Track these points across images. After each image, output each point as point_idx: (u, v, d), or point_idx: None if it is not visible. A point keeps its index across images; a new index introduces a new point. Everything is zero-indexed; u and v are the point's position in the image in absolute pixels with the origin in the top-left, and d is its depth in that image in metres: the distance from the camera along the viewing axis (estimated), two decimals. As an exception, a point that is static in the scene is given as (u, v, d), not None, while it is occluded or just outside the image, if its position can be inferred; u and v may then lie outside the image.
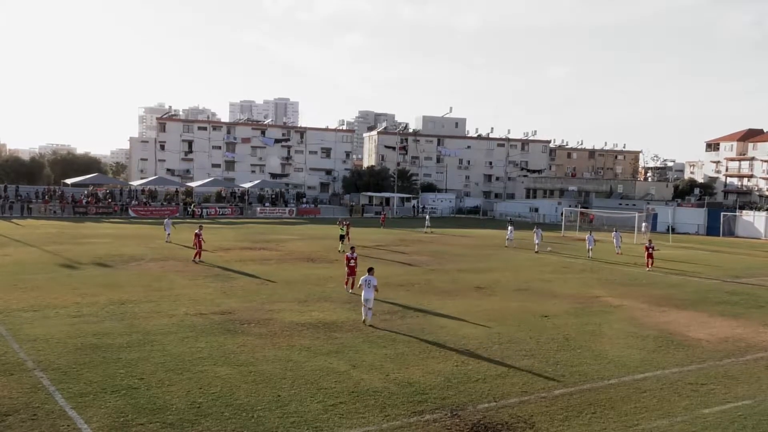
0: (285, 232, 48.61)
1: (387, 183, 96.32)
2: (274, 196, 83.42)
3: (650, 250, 33.76)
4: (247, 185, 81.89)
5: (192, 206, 69.98)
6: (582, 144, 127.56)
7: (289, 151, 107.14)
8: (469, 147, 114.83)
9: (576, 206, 77.45)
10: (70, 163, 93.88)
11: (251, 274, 27.57)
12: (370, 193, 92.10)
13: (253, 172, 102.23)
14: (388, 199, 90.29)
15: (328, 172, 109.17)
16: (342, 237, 38.13)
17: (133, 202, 70.77)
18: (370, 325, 17.79)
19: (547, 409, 11.88)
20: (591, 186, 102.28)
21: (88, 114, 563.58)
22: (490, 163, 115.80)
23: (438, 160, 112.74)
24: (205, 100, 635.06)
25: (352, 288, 22.90)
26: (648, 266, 33.36)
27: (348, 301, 21.85)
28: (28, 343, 14.94)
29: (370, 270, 18.69)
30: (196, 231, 32.00)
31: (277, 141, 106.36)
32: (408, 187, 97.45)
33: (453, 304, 22.06)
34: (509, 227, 46.13)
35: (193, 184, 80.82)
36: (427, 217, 63.83)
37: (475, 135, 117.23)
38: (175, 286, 23.81)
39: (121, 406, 11.21)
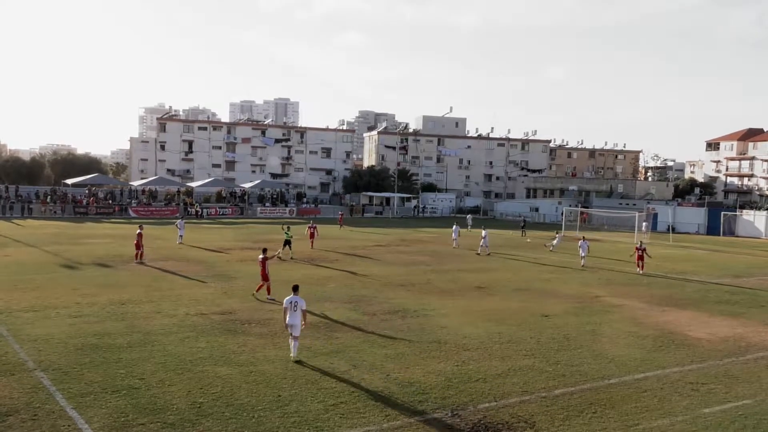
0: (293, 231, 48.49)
1: (387, 183, 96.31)
2: (274, 196, 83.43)
3: (641, 252, 32.37)
4: (247, 185, 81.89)
5: (195, 207, 70.00)
6: (582, 144, 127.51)
7: (289, 151, 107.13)
8: (469, 147, 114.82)
9: (576, 206, 77.45)
10: (71, 164, 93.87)
11: (252, 274, 27.55)
12: (370, 193, 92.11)
13: (253, 172, 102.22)
14: (388, 199, 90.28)
15: (329, 172, 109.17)
16: (287, 242, 33.33)
17: (133, 202, 70.77)
18: (297, 362, 14.23)
19: (547, 409, 11.89)
20: (591, 186, 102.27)
21: (88, 114, 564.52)
22: (491, 162, 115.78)
23: (438, 160, 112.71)
24: (205, 100, 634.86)
25: (268, 293, 21.74)
26: (640, 269, 31.91)
27: (348, 301, 21.86)
28: (28, 344, 14.95)
29: (296, 289, 14.97)
30: (138, 231, 31.11)
31: (277, 141, 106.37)
32: (408, 187, 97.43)
33: (453, 303, 22.06)
34: (455, 226, 44.06)
35: (193, 185, 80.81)
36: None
37: (476, 135, 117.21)
38: (176, 287, 23.82)
39: (121, 406, 11.22)
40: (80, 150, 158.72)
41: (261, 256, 22.22)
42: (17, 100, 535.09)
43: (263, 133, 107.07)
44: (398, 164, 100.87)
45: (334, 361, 14.47)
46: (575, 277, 29.95)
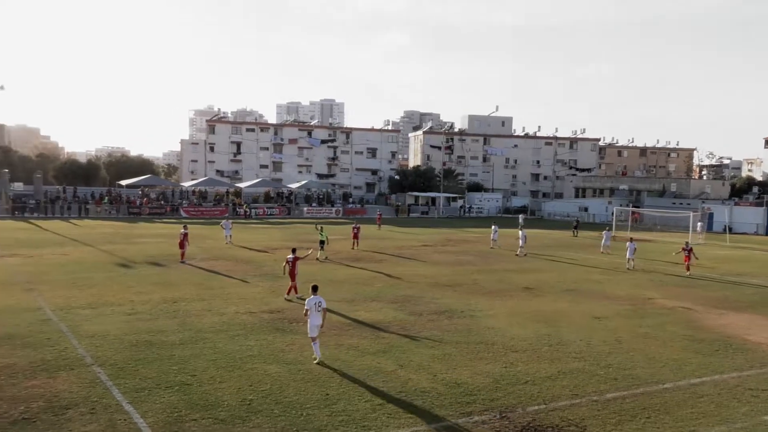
0: (331, 231, 48.89)
1: (433, 183, 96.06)
2: (320, 197, 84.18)
3: (687, 252, 31.20)
4: (294, 186, 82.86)
5: (244, 207, 71.26)
6: (633, 142, 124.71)
7: (335, 152, 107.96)
8: (516, 146, 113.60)
9: (627, 205, 75.72)
10: (125, 165, 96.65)
11: (299, 273, 27.83)
12: (415, 193, 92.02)
13: (300, 172, 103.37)
14: (434, 199, 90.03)
15: (374, 172, 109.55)
16: (322, 243, 33.26)
17: (184, 202, 72.42)
18: (319, 363, 14.00)
19: (598, 413, 11.64)
20: (643, 185, 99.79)
21: (141, 117, 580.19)
22: (538, 161, 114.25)
23: (484, 160, 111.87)
24: (252, 102, 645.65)
25: (289, 294, 21.73)
26: (686, 270, 30.86)
27: (394, 301, 21.87)
28: (86, 340, 15.44)
29: (315, 289, 14.72)
30: (183, 231, 31.77)
31: (323, 142, 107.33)
32: (454, 187, 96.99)
33: (501, 304, 21.84)
34: (494, 226, 43.13)
35: (241, 185, 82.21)
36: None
37: (522, 134, 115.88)
38: (226, 285, 24.26)
39: (174, 401, 11.47)
40: (133, 152, 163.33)
41: (291, 256, 22.26)
42: (75, 105, 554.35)
43: (309, 134, 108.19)
44: (444, 164, 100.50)
45: (381, 360, 14.49)
46: (626, 279, 29.27)
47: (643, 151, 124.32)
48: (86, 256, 31.87)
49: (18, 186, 68.38)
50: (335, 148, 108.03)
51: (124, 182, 73.67)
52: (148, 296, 21.35)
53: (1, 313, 18.06)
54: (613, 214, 62.65)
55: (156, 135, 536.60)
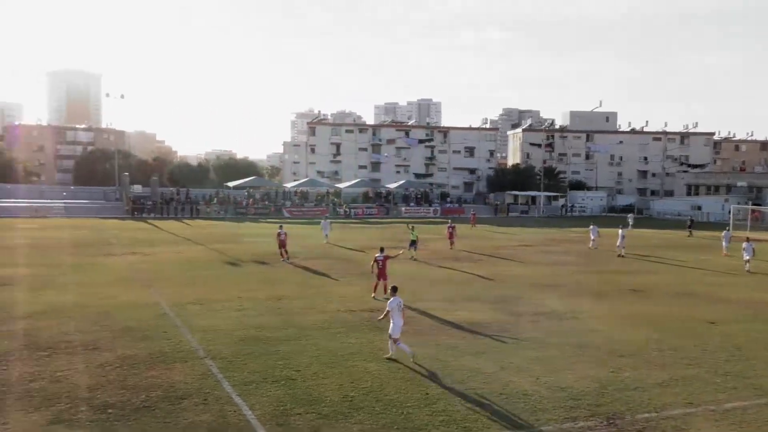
0: (429, 231, 48.95)
1: (533, 181, 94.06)
2: (418, 196, 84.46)
3: None
4: (392, 186, 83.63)
5: (343, 207, 72.79)
6: (752, 135, 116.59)
7: (432, 151, 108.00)
8: (621, 142, 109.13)
9: (746, 203, 70.78)
10: (232, 167, 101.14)
11: (396, 273, 28.07)
12: (515, 192, 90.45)
13: (397, 172, 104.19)
14: (534, 198, 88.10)
15: (472, 171, 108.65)
16: (413, 243, 33.18)
17: (287, 203, 74.86)
18: (391, 359, 14.18)
19: (716, 424, 10.94)
20: (764, 181, 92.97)
21: (246, 121, 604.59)
22: (645, 158, 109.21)
23: (587, 157, 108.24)
24: (351, 103, 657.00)
25: (376, 291, 21.73)
26: None
27: (494, 301, 21.57)
28: (198, 334, 16.27)
29: (395, 289, 15.07)
30: (279, 230, 32.22)
31: (420, 141, 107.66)
32: (555, 186, 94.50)
33: (606, 306, 21.02)
34: (592, 226, 41.19)
35: (341, 185, 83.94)
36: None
37: (628, 129, 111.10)
38: (327, 284, 24.83)
39: (280, 395, 11.86)
40: (240, 155, 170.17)
41: (380, 255, 22.19)
42: (187, 111, 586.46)
43: (407, 134, 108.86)
44: (544, 162, 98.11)
45: (480, 361, 14.33)
46: (745, 282, 27.38)
47: (764, 144, 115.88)
48: (197, 255, 33.60)
49: (137, 188, 73.16)
50: (432, 147, 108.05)
51: (231, 184, 77.08)
52: (254, 293, 22.21)
53: (123, 307, 19.39)
54: (730, 212, 58.79)
55: (260, 138, 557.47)
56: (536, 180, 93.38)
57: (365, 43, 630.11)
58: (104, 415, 10.69)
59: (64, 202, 67.37)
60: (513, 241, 44.19)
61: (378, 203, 79.21)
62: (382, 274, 21.96)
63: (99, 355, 14.08)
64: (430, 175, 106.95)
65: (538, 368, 13.88)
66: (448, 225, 40.12)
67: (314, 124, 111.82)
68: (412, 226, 35.23)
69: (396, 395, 12.03)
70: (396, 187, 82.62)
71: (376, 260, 22.14)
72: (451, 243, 38.48)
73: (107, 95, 77.22)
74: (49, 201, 68.80)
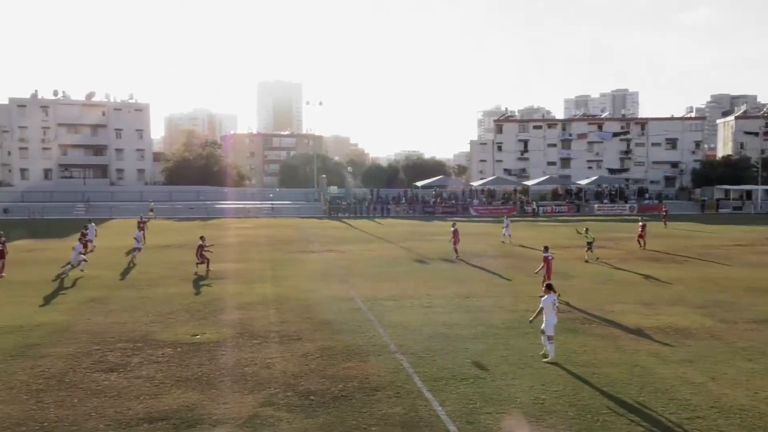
0: (624, 229, 46.12)
1: (748, 174, 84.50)
2: (612, 193, 79.98)
3: None
4: (583, 182, 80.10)
5: (532, 205, 71.28)
6: None
7: (628, 145, 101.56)
8: None
9: None
10: (420, 167, 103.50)
11: (590, 273, 26.85)
12: (725, 187, 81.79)
13: (589, 168, 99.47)
14: (749, 193, 79.06)
15: (674, 164, 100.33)
16: (590, 244, 31.12)
17: (474, 201, 74.97)
18: (551, 361, 13.77)
19: None
20: None
21: (434, 121, 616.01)
22: None
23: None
24: (539, 98, 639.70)
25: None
26: None
27: (702, 306, 19.73)
28: (390, 329, 16.89)
29: (550, 287, 14.62)
30: (453, 228, 32.40)
31: (615, 135, 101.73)
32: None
33: (843, 316, 18.22)
34: None
35: (529, 183, 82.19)
36: None
37: None
38: (515, 282, 24.44)
39: (469, 393, 11.90)
40: (427, 155, 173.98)
41: (548, 254, 22.06)
42: (378, 114, 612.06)
43: (600, 127, 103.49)
44: (762, 152, 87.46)
45: (687, 370, 13.18)
46: None
47: None
48: (388, 252, 34.89)
49: (333, 189, 77.86)
50: (629, 140, 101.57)
51: (419, 183, 79.00)
52: (442, 291, 22.54)
53: (322, 301, 20.74)
54: None
55: (447, 137, 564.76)
56: (752, 172, 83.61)
57: (554, 36, 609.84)
58: (307, 401, 11.51)
59: (271, 204, 73.72)
60: (723, 240, 40.07)
61: (568, 201, 76.34)
62: (548, 273, 21.59)
63: (302, 345, 15.20)
64: (626, 170, 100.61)
65: (757, 381, 12.45)
66: (640, 223, 37.29)
67: (501, 121, 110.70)
68: (586, 228, 33.22)
69: (591, 401, 11.50)
70: (588, 184, 78.92)
71: (546, 259, 21.99)
72: (642, 242, 35.77)
73: (307, 103, 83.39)
74: (258, 202, 75.78)
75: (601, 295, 21.68)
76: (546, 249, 22.70)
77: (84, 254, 27.43)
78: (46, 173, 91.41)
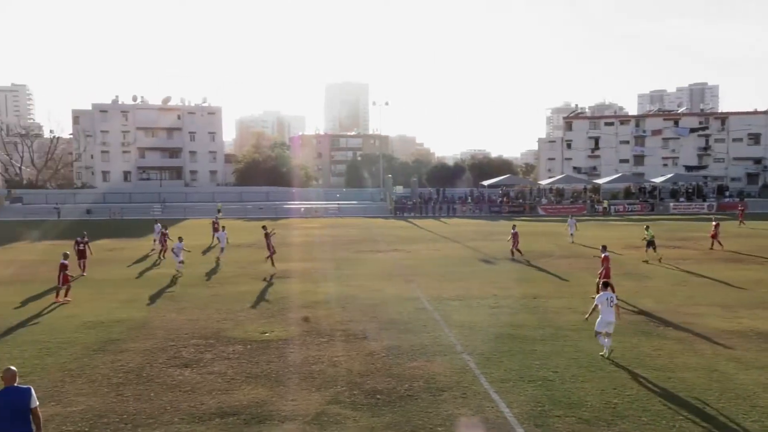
0: (702, 229, 44.20)
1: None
2: (689, 191, 76.81)
3: None
4: (657, 180, 77.23)
5: (603, 204, 69.36)
6: None
7: (707, 141, 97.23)
8: None
9: None
10: (486, 166, 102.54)
11: (664, 274, 25.88)
12: (813, 183, 77.24)
13: (664, 165, 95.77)
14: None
15: (757, 161, 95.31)
16: (650, 243, 30.01)
17: (542, 200, 73.57)
18: (608, 358, 13.82)
19: None
20: None
21: (500, 120, 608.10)
22: None
23: None
24: (611, 94, 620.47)
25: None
26: None
27: (788, 309, 18.67)
28: (456, 329, 16.78)
29: (607, 285, 14.67)
30: (513, 230, 32.46)
31: (692, 131, 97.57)
32: None
33: None
34: None
35: (599, 181, 79.94)
36: None
37: None
38: (584, 283, 23.82)
39: (538, 395, 11.67)
40: (494, 153, 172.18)
41: (604, 254, 21.70)
42: (443, 113, 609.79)
43: (676, 123, 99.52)
44: None
45: (771, 377, 12.51)
46: None
47: None
48: (454, 252, 34.69)
49: (398, 189, 78.07)
50: (707, 136, 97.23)
51: (485, 182, 78.16)
52: (509, 291, 22.22)
53: (388, 300, 20.82)
54: None
55: (514, 136, 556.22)
56: None
57: (630, 31, 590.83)
58: (373, 399, 11.58)
59: (338, 203, 74.61)
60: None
61: (641, 199, 73.80)
62: (606, 273, 21.01)
63: (368, 344, 15.30)
64: (704, 167, 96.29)
65: None
66: (714, 222, 35.51)
67: (571, 118, 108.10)
68: (647, 226, 31.90)
69: (665, 406, 11.07)
70: (663, 182, 76.00)
71: (604, 258, 21.74)
72: (715, 242, 34.11)
73: (374, 103, 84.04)
74: (325, 202, 76.85)
75: (677, 297, 20.86)
76: (604, 248, 22.35)
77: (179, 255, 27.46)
78: (126, 175, 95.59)
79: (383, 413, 10.92)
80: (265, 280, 25.40)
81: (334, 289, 23.09)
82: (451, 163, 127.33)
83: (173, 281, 25.04)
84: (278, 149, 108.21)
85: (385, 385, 12.33)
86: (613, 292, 14.50)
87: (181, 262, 26.75)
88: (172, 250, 27.42)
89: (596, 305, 14.11)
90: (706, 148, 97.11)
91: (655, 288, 22.68)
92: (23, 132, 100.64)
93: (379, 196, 79.94)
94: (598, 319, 14.01)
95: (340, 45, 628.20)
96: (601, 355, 14.02)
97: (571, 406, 11.12)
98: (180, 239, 27.75)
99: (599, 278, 20.20)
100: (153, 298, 21.54)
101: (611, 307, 13.96)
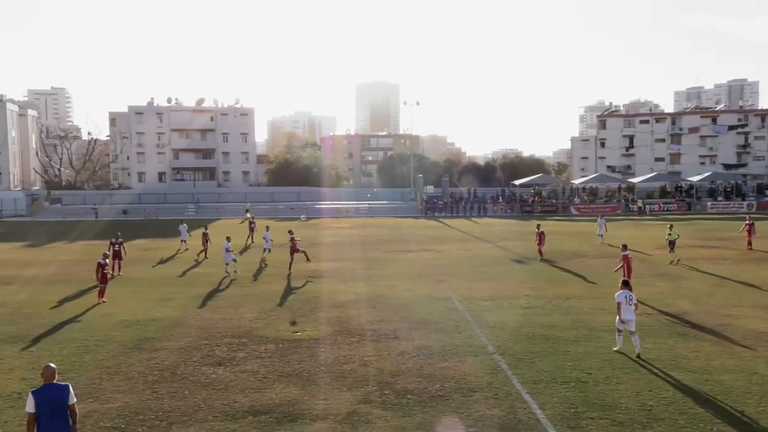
0: (737, 228, 43.14)
1: None
2: (728, 189, 75.04)
3: None
4: (694, 179, 75.62)
5: (638, 203, 68.23)
6: None
7: (746, 138, 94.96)
8: None
9: None
10: (518, 166, 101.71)
11: (699, 276, 25.35)
12: None
13: (702, 163, 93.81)
14: None
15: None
16: (672, 243, 29.23)
17: (575, 199, 72.64)
18: (638, 356, 13.79)
19: None
20: None
21: (532, 119, 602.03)
22: None
23: None
24: (646, 92, 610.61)
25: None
26: None
27: (831, 311, 18.12)
28: (487, 329, 16.67)
29: (626, 283, 14.87)
30: (538, 231, 31.76)
31: (731, 128, 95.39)
32: None
33: None
34: None
35: (634, 180, 78.59)
36: None
37: None
38: (618, 284, 23.31)
39: (571, 397, 11.53)
40: (526, 153, 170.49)
41: (627, 253, 21.81)
42: (474, 112, 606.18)
43: (713, 120, 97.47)
44: None
45: (813, 381, 12.15)
46: None
47: None
48: (485, 252, 34.48)
49: (429, 188, 77.87)
50: (746, 134, 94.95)
51: (517, 182, 77.47)
52: (541, 291, 22.00)
53: (419, 300, 20.79)
54: None
55: (546, 134, 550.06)
56: None
57: (664, 26, 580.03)
58: (404, 399, 11.57)
59: (368, 203, 74.74)
60: None
61: (678, 198, 72.35)
62: (627, 272, 21.13)
63: (399, 344, 15.30)
64: (743, 165, 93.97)
65: None
66: (747, 221, 34.59)
67: (605, 116, 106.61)
68: (671, 225, 31.11)
69: (702, 409, 10.84)
70: (700, 180, 74.40)
71: (624, 257, 21.87)
72: (749, 242, 33.24)
73: (404, 103, 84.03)
74: (355, 202, 77.05)
75: (714, 299, 20.41)
76: (624, 247, 22.43)
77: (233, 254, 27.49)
78: (161, 176, 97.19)
79: (414, 413, 10.90)
80: (308, 272, 25.76)
81: (364, 288, 23.15)
82: (482, 162, 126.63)
83: (229, 279, 25.41)
84: (309, 149, 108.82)
85: (416, 384, 12.31)
86: (631, 290, 14.62)
87: (234, 260, 26.94)
88: (227, 249, 26.78)
89: (618, 303, 14.25)
90: (746, 145, 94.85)
91: (691, 288, 22.24)
92: (62, 134, 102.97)
93: (410, 196, 79.82)
94: (618, 317, 14.26)
95: (371, 45, 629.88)
96: (636, 356, 13.85)
97: (605, 408, 10.96)
98: (228, 239, 27.55)
99: (622, 275, 20.00)
100: (187, 297, 21.85)
101: (630, 305, 14.08)
